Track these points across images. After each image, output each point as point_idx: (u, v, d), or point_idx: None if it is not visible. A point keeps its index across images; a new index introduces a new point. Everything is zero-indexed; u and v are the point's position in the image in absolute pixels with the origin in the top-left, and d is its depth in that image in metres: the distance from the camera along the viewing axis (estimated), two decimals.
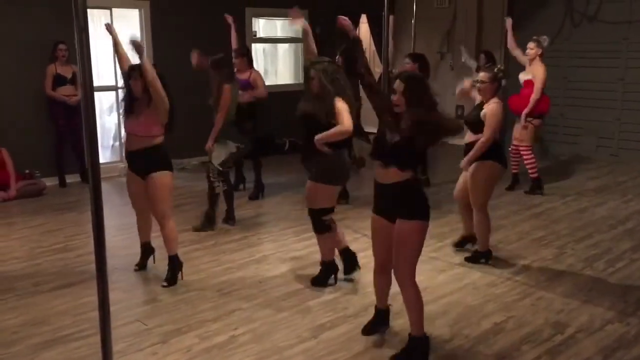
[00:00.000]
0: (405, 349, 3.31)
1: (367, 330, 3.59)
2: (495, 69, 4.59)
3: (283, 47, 9.99)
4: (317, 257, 4.42)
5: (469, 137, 4.60)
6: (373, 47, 10.77)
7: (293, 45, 9.83)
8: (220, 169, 5.49)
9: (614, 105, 8.57)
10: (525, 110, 6.55)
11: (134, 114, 4.19)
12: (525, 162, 6.80)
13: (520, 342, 3.51)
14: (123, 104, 4.32)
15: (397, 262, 3.25)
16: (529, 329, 3.66)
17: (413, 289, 3.25)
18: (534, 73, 6.55)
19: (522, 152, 6.79)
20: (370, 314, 3.67)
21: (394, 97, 3.16)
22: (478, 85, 4.53)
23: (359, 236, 5.36)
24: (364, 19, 10.38)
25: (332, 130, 3.94)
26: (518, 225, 5.64)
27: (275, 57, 9.98)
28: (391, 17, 5.40)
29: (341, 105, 3.97)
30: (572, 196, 6.72)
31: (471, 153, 4.48)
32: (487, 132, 4.42)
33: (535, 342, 3.50)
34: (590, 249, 5.06)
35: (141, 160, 4.22)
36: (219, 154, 5.45)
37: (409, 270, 3.23)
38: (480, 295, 4.16)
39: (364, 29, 10.96)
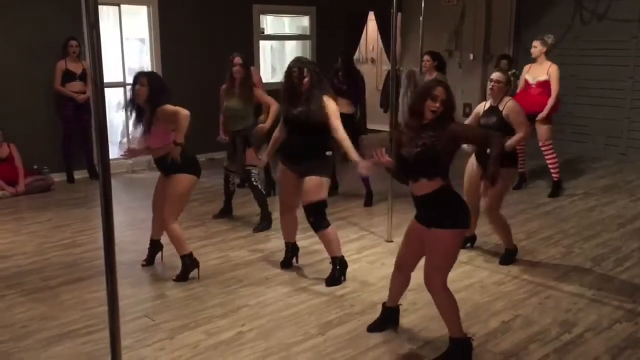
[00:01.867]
0: (446, 352, 3.26)
1: (374, 327, 3.59)
2: (510, 72, 4.64)
3: (290, 44, 9.99)
4: (324, 254, 4.42)
5: None
6: (380, 45, 10.76)
7: (300, 42, 9.82)
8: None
9: (622, 103, 8.51)
10: (544, 114, 6.35)
11: (144, 128, 4.16)
12: (549, 162, 6.62)
13: (528, 340, 3.50)
14: (132, 112, 4.26)
15: (428, 269, 3.20)
16: (537, 328, 3.65)
17: (443, 294, 3.18)
18: (549, 73, 6.37)
19: (545, 151, 6.58)
20: (377, 312, 3.67)
21: (435, 104, 3.05)
22: (492, 84, 4.57)
23: (365, 233, 5.37)
24: (371, 16, 10.37)
25: (349, 146, 4.07)
26: (526, 224, 5.62)
27: (283, 54, 9.97)
28: (399, 15, 5.42)
29: (332, 107, 4.09)
30: (580, 195, 6.69)
31: (510, 145, 4.41)
32: (524, 127, 4.52)
33: (543, 341, 3.49)
34: (599, 248, 5.04)
35: (163, 164, 4.22)
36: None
37: (439, 278, 3.16)
38: (488, 293, 4.15)
39: (371, 27, 10.96)
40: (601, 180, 7.42)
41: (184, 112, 4.05)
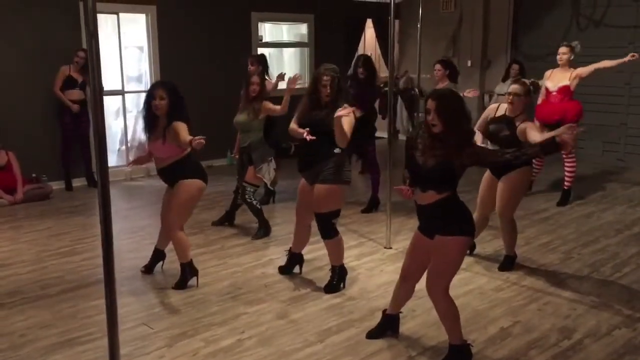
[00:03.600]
0: (445, 358, 3.27)
1: (374, 334, 3.58)
2: (529, 82, 4.46)
3: (288, 52, 10.03)
4: (323, 261, 4.43)
5: None
6: (378, 52, 10.79)
7: (298, 49, 9.86)
8: (272, 188, 5.65)
9: (620, 110, 8.55)
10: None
11: (154, 137, 4.10)
12: (568, 169, 6.55)
13: (527, 347, 3.50)
14: (144, 122, 4.18)
15: (430, 275, 3.19)
16: (536, 334, 3.65)
17: (444, 301, 3.19)
18: (577, 73, 6.27)
19: (567, 158, 6.50)
20: (376, 319, 3.67)
21: (429, 118, 3.04)
22: (511, 98, 4.34)
23: (364, 240, 5.37)
24: (369, 23, 10.41)
25: (345, 127, 3.92)
26: (525, 230, 5.62)
27: (281, 61, 10.00)
28: (396, 22, 5.38)
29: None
30: (578, 201, 6.70)
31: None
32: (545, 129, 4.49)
33: (543, 347, 3.49)
34: (597, 254, 5.05)
35: (169, 174, 4.19)
36: (269, 176, 5.40)
37: (441, 284, 3.17)
38: (487, 299, 4.15)
39: (369, 34, 11.00)
40: (599, 186, 7.43)
41: (181, 124, 3.95)
